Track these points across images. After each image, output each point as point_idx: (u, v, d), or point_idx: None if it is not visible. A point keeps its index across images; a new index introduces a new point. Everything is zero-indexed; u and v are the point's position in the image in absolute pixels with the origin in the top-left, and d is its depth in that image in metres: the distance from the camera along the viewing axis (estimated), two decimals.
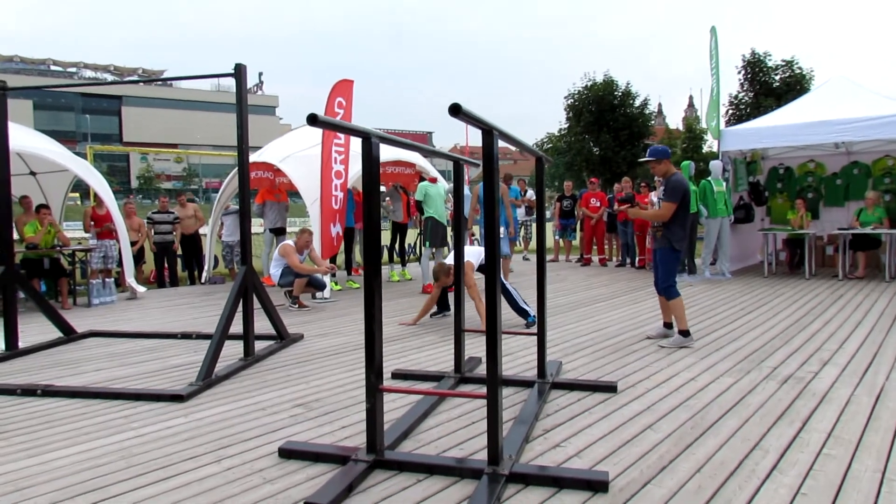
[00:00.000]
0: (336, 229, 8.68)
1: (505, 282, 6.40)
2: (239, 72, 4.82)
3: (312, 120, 2.38)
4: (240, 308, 4.88)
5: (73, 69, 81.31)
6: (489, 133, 2.64)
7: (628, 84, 25.85)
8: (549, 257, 13.51)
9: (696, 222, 9.76)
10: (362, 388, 4.17)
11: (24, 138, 8.28)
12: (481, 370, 4.61)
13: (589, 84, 25.91)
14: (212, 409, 3.83)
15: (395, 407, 3.76)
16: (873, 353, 4.88)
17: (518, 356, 5.02)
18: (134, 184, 70.95)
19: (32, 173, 9.85)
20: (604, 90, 25.33)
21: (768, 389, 4.02)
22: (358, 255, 11.56)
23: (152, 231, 10.36)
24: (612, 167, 23.51)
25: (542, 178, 4.09)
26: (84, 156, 12.10)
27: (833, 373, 4.37)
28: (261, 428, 3.48)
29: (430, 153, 3.73)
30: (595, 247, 12.35)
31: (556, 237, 13.30)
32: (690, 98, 42.63)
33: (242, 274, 4.86)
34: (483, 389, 4.07)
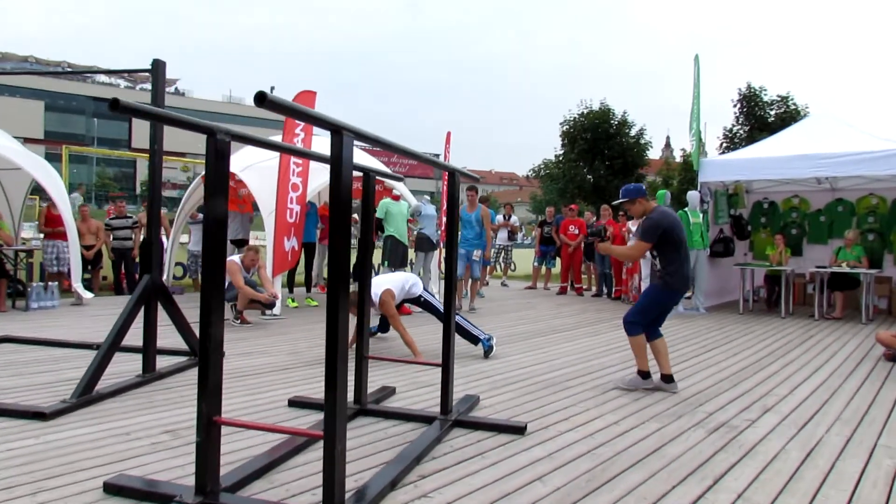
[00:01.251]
0: (291, 244, 8.35)
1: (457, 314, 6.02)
2: (156, 68, 4.54)
3: (114, 105, 2.04)
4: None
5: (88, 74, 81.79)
6: (337, 133, 2.31)
7: (625, 113, 25.66)
8: (527, 284, 13.15)
9: None
10: (254, 416, 3.82)
11: None
12: (389, 402, 4.24)
13: (585, 111, 25.71)
14: (71, 430, 3.47)
15: (273, 440, 3.39)
16: (823, 402, 4.47)
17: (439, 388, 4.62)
18: (138, 190, 70.99)
19: None
20: (600, 118, 25.09)
21: (693, 438, 3.63)
22: (325, 271, 11.24)
23: (111, 237, 10.06)
24: (604, 196, 23.16)
25: (454, 193, 3.74)
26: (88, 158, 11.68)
27: (772, 422, 3.97)
28: (110, 456, 3.11)
29: (302, 155, 3.39)
30: (572, 275, 11.97)
31: (535, 264, 12.93)
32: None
33: (144, 282, 4.52)
34: (385, 423, 3.72)
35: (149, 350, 4.57)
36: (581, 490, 2.85)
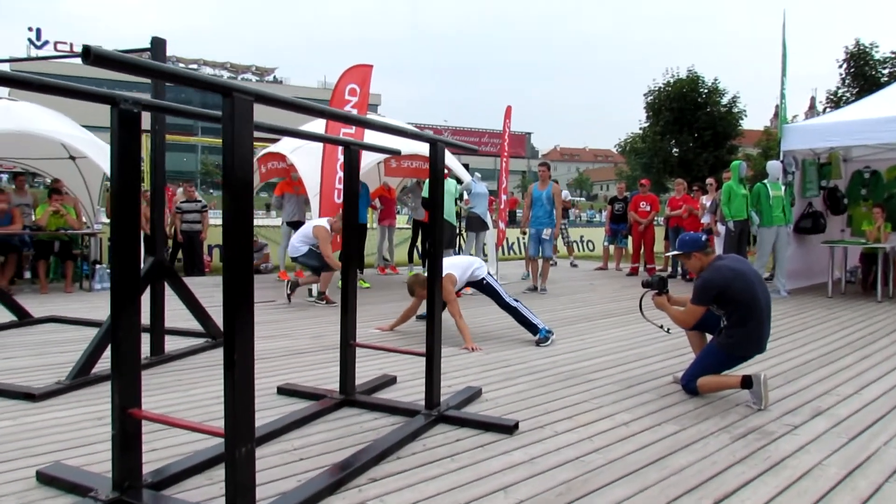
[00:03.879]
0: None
1: (509, 299, 5.65)
2: (155, 45, 4.44)
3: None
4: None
5: (195, 66, 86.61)
6: (227, 95, 2.02)
7: (716, 80, 23.69)
8: (597, 265, 12.49)
9: (746, 230, 8.51)
10: None
11: (47, 122, 8.47)
12: (385, 392, 3.97)
13: (672, 80, 24.02)
14: (51, 413, 3.44)
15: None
16: (893, 406, 3.77)
17: (452, 376, 4.30)
18: None
19: (72, 158, 10.14)
20: (687, 86, 23.34)
21: (712, 446, 3.11)
22: (385, 253, 11.12)
23: (179, 220, 10.41)
24: (691, 170, 21.62)
25: (436, 164, 3.37)
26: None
27: (819, 428, 3.37)
28: (70, 441, 3.04)
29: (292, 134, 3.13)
30: (643, 255, 11.20)
31: (606, 244, 12.24)
32: (812, 100, 38.62)
33: (149, 263, 4.48)
34: (367, 416, 3.43)
35: (155, 331, 4.54)
36: None
